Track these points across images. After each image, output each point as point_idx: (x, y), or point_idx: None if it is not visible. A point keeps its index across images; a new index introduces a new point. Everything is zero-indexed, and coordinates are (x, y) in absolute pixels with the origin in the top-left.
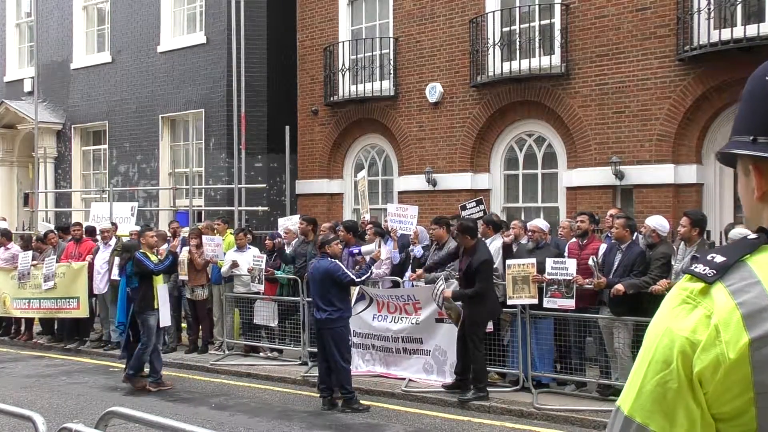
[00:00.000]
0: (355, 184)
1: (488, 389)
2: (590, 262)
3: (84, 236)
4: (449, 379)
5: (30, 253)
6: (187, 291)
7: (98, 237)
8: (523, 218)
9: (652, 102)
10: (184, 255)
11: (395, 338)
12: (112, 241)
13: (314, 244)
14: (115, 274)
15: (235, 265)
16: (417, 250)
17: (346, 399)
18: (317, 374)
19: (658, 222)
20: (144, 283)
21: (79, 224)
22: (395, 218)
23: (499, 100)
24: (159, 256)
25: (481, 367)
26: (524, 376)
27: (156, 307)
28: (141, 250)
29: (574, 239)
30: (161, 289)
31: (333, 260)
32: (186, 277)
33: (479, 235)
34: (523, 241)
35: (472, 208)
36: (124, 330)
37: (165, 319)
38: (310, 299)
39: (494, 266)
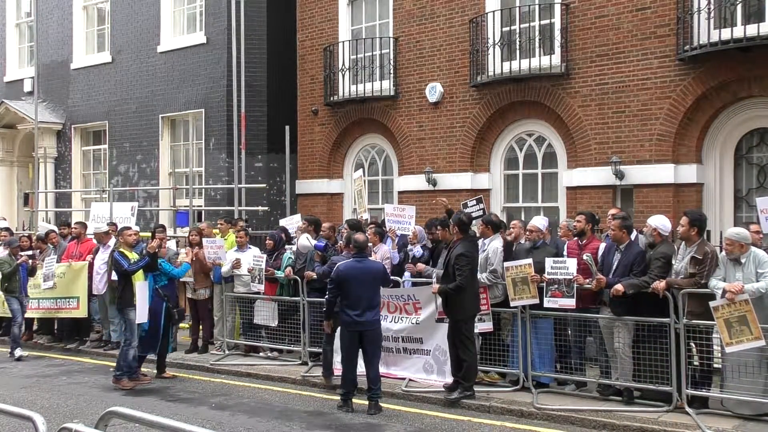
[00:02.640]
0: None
1: (488, 389)
2: (585, 257)
3: (84, 235)
4: (450, 378)
5: (29, 253)
6: (188, 290)
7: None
8: (523, 218)
9: (652, 102)
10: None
11: (395, 338)
12: (112, 242)
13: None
14: (114, 275)
15: (237, 264)
16: (416, 250)
17: (378, 400)
18: (339, 377)
19: (660, 221)
20: (123, 281)
21: (80, 223)
22: (393, 218)
23: (499, 100)
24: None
25: (472, 366)
26: (524, 376)
27: (134, 303)
28: (119, 249)
29: (574, 239)
30: (140, 286)
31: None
32: (191, 279)
33: (476, 234)
34: (522, 240)
35: (472, 206)
36: (145, 326)
37: (141, 316)
38: (311, 299)
39: (494, 267)
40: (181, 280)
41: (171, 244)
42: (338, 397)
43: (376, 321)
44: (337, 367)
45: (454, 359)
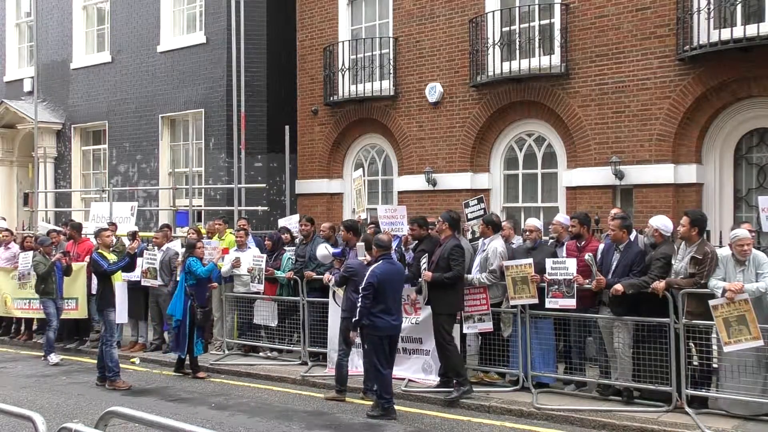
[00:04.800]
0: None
1: (488, 389)
2: (586, 257)
3: (78, 237)
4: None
5: (30, 253)
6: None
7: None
8: (522, 218)
9: (652, 102)
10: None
11: None
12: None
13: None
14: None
15: (237, 263)
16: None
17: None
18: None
19: (662, 222)
20: (102, 282)
21: (73, 226)
22: (386, 220)
23: (499, 100)
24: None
25: (456, 361)
26: (524, 376)
27: (115, 303)
28: (98, 250)
29: (571, 240)
30: (118, 287)
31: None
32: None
33: (477, 234)
34: (516, 241)
35: (474, 206)
36: (176, 325)
37: (121, 316)
38: (311, 299)
39: (493, 267)
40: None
41: (173, 245)
42: (341, 397)
43: (400, 325)
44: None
45: (442, 360)
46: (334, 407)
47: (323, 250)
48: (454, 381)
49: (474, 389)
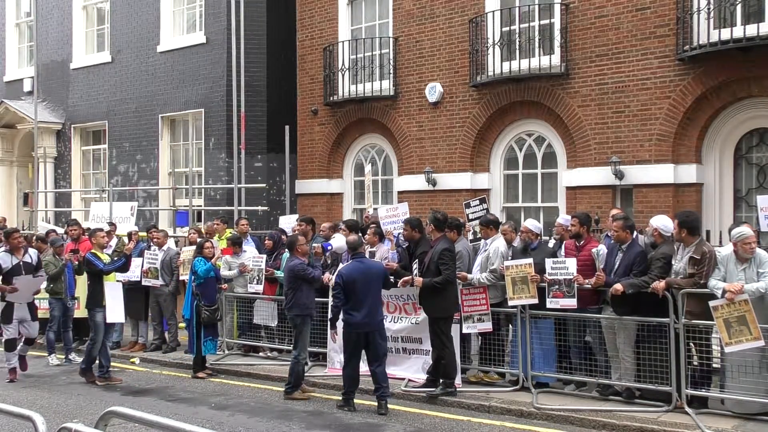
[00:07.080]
0: (355, 183)
1: (488, 389)
2: (593, 251)
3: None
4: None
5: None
6: None
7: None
8: (522, 218)
9: (651, 102)
10: (188, 255)
11: (395, 338)
12: (113, 242)
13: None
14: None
15: (244, 269)
16: None
17: (387, 399)
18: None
19: (662, 222)
20: (93, 281)
21: (77, 223)
22: (388, 220)
23: (499, 100)
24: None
25: (450, 363)
26: (524, 376)
27: (103, 304)
28: (92, 251)
29: (570, 239)
30: (113, 287)
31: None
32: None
33: (478, 235)
34: (516, 243)
35: (475, 206)
36: (187, 325)
37: (114, 315)
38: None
39: (494, 267)
40: (181, 277)
41: (172, 244)
42: (338, 397)
43: (382, 320)
44: (335, 367)
45: (433, 357)
46: (334, 407)
47: (339, 242)
48: (442, 380)
49: (474, 389)
